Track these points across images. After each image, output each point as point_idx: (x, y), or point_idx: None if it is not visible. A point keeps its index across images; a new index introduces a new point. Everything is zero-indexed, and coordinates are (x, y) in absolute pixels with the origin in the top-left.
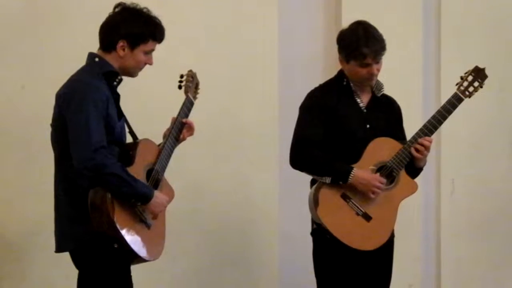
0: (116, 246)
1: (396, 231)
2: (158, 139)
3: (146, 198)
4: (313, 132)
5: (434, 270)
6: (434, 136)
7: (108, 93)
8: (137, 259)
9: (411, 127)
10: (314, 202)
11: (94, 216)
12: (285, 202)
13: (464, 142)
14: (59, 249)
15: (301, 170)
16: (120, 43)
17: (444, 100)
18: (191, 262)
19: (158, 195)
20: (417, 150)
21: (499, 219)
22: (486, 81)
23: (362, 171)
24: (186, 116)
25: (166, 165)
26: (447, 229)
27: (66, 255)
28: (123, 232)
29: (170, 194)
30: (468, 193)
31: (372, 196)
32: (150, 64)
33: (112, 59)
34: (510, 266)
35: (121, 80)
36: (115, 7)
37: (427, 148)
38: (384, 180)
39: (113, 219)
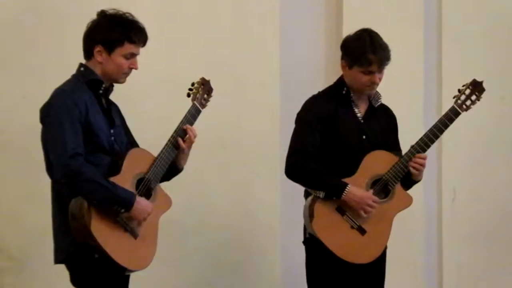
0: (96, 256)
1: (398, 238)
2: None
3: (128, 203)
4: (310, 144)
5: (436, 277)
6: (435, 144)
7: (88, 99)
8: (124, 268)
9: (411, 137)
10: (310, 215)
11: (73, 226)
12: (286, 212)
13: (465, 150)
14: (55, 260)
15: (296, 181)
16: (97, 48)
17: (445, 110)
18: (191, 273)
19: (141, 201)
20: (414, 168)
21: (500, 226)
22: (488, 89)
23: (357, 189)
24: (191, 123)
25: (162, 173)
26: (448, 237)
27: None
28: (101, 241)
29: (166, 203)
30: (469, 201)
31: (364, 214)
32: (135, 68)
33: (93, 66)
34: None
35: (108, 88)
36: (97, 15)
37: (423, 165)
38: (377, 199)
39: (90, 227)
